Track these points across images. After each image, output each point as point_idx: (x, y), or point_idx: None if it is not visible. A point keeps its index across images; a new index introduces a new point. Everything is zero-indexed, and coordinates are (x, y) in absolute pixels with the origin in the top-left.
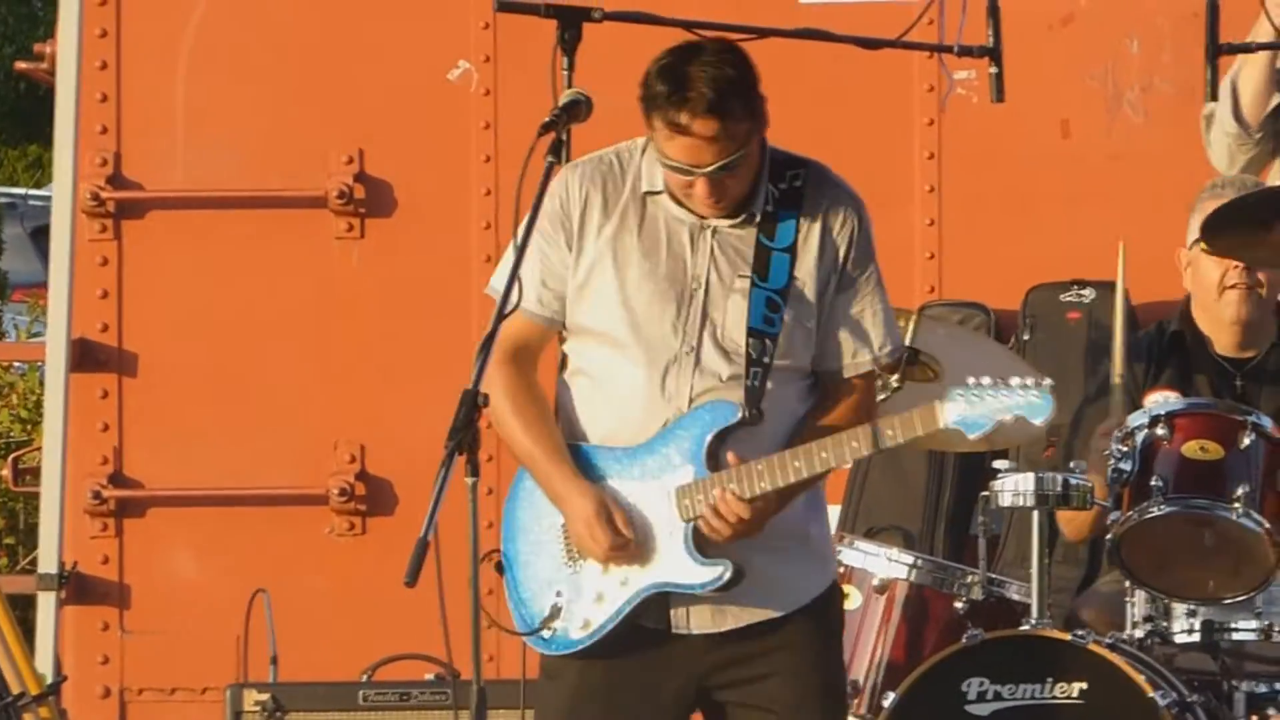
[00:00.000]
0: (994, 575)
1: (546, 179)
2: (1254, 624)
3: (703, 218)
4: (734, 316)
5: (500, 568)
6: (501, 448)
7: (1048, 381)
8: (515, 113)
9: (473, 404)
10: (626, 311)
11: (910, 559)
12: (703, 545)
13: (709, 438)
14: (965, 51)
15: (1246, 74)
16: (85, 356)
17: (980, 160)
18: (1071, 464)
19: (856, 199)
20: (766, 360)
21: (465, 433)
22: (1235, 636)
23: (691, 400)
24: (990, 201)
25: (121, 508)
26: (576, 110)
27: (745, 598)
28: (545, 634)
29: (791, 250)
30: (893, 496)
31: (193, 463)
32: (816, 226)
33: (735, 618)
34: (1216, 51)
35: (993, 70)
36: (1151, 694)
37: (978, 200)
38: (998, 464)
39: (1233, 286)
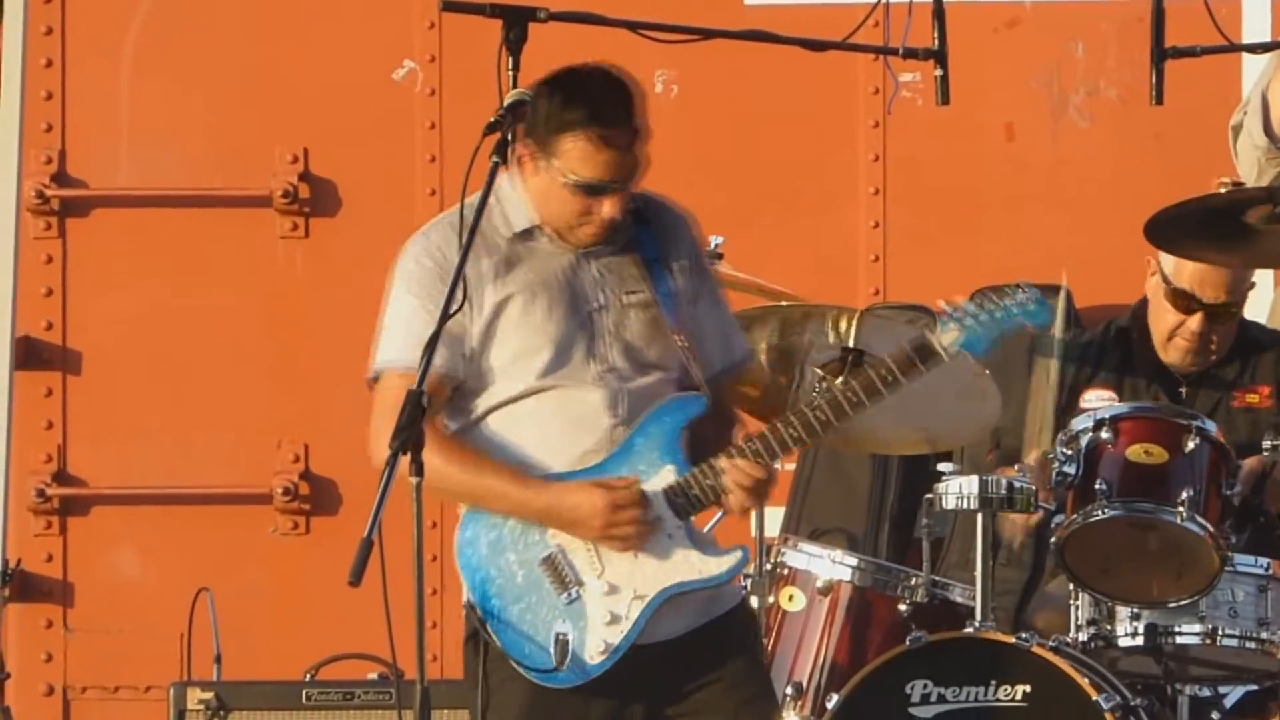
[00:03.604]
0: (938, 578)
1: (491, 180)
2: (1197, 628)
3: (577, 249)
4: (639, 329)
5: (487, 631)
6: None
7: (1032, 287)
8: (460, 113)
9: (417, 404)
10: (546, 341)
11: (854, 561)
12: (703, 540)
13: (680, 433)
14: (910, 54)
15: (1277, 87)
16: (29, 355)
17: (925, 163)
18: (1016, 467)
19: (688, 213)
20: (695, 354)
21: (409, 432)
22: (1179, 640)
23: (628, 411)
24: (935, 204)
25: (65, 506)
26: (521, 111)
27: (686, 606)
28: (561, 673)
29: (661, 260)
30: (836, 499)
31: (136, 461)
32: (668, 240)
33: (676, 627)
34: (1162, 56)
35: (938, 73)
36: (1095, 697)
37: (922, 203)
38: (942, 466)
39: (1179, 337)
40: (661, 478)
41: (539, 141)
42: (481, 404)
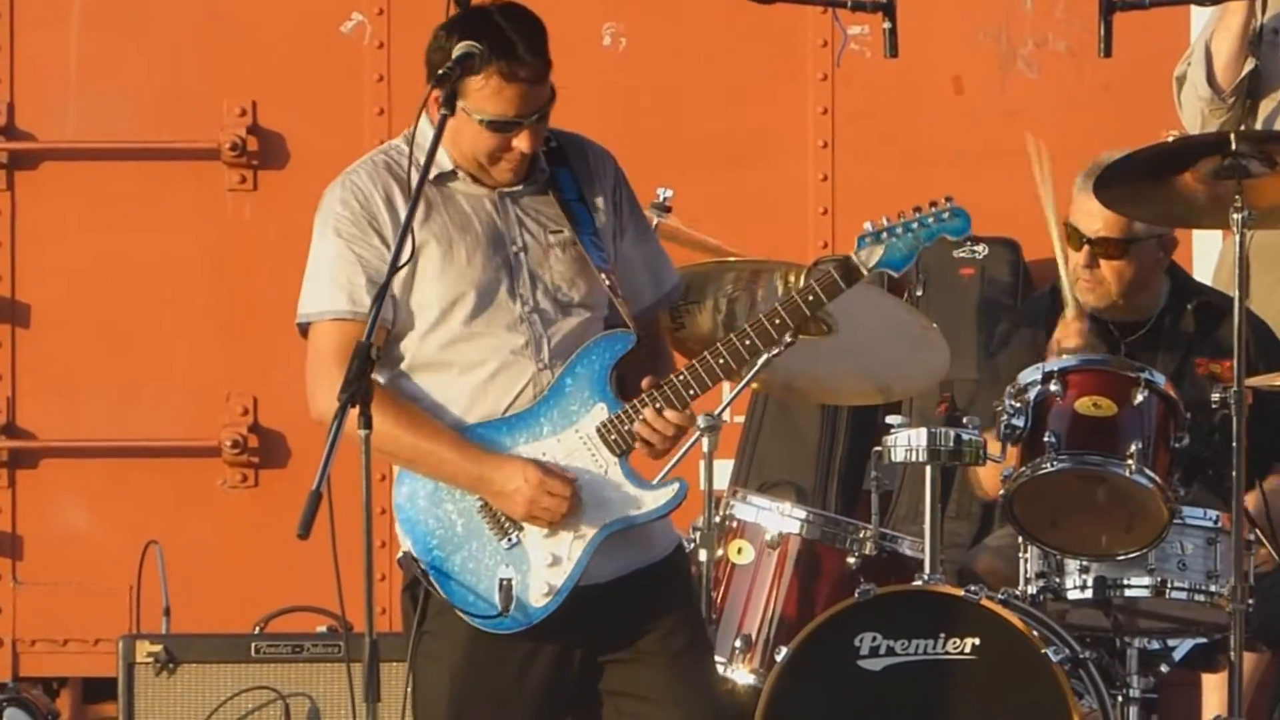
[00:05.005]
0: (887, 530)
1: (440, 132)
2: (1146, 580)
3: (496, 190)
4: (561, 269)
5: (429, 581)
6: None
7: (950, 199)
8: (408, 65)
9: (365, 357)
10: (468, 286)
11: (803, 514)
12: (640, 475)
13: (610, 371)
14: (859, 6)
15: (1220, 38)
16: None
17: (873, 116)
18: (965, 419)
19: (606, 149)
20: (619, 292)
21: (358, 385)
22: (1128, 593)
23: (552, 354)
24: (883, 157)
25: (14, 459)
26: (469, 63)
27: (625, 547)
28: (507, 618)
29: (582, 200)
30: (786, 451)
31: (86, 414)
32: (588, 178)
33: (615, 568)
34: (1111, 7)
35: (886, 25)
36: (1044, 650)
37: (871, 156)
38: (890, 419)
39: (1078, 276)
40: (594, 416)
41: (457, 77)
42: (408, 353)
